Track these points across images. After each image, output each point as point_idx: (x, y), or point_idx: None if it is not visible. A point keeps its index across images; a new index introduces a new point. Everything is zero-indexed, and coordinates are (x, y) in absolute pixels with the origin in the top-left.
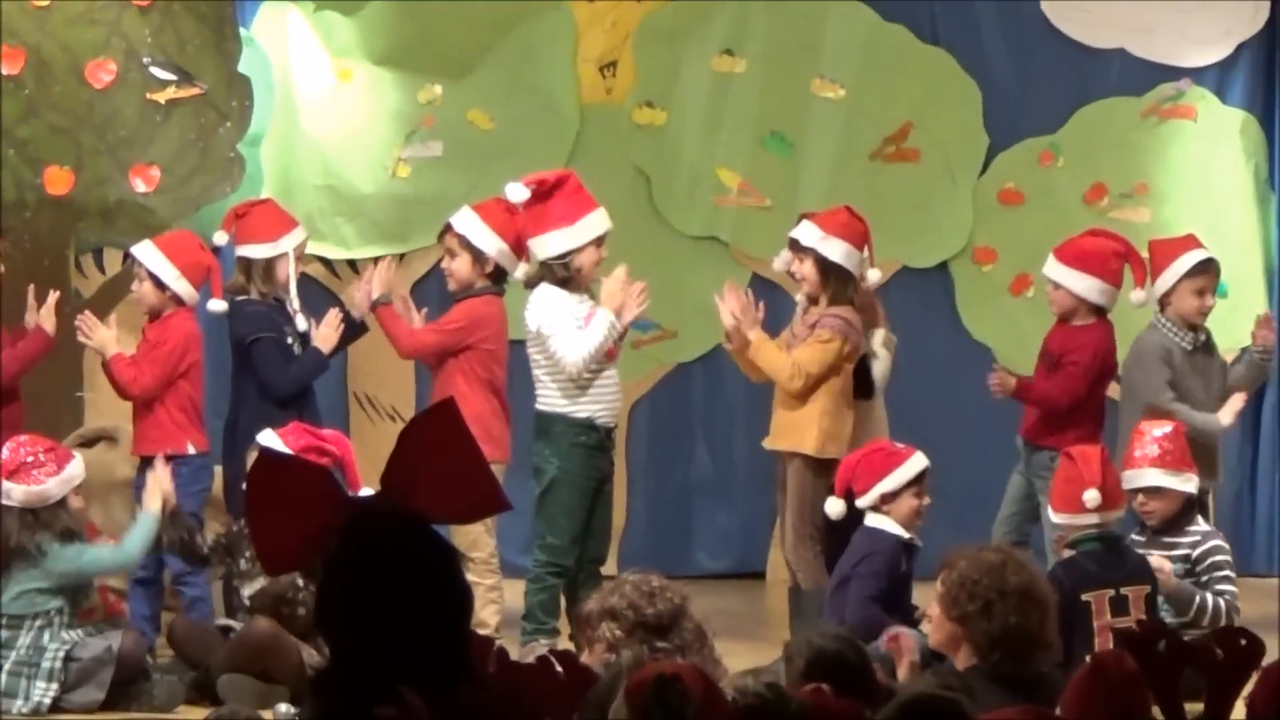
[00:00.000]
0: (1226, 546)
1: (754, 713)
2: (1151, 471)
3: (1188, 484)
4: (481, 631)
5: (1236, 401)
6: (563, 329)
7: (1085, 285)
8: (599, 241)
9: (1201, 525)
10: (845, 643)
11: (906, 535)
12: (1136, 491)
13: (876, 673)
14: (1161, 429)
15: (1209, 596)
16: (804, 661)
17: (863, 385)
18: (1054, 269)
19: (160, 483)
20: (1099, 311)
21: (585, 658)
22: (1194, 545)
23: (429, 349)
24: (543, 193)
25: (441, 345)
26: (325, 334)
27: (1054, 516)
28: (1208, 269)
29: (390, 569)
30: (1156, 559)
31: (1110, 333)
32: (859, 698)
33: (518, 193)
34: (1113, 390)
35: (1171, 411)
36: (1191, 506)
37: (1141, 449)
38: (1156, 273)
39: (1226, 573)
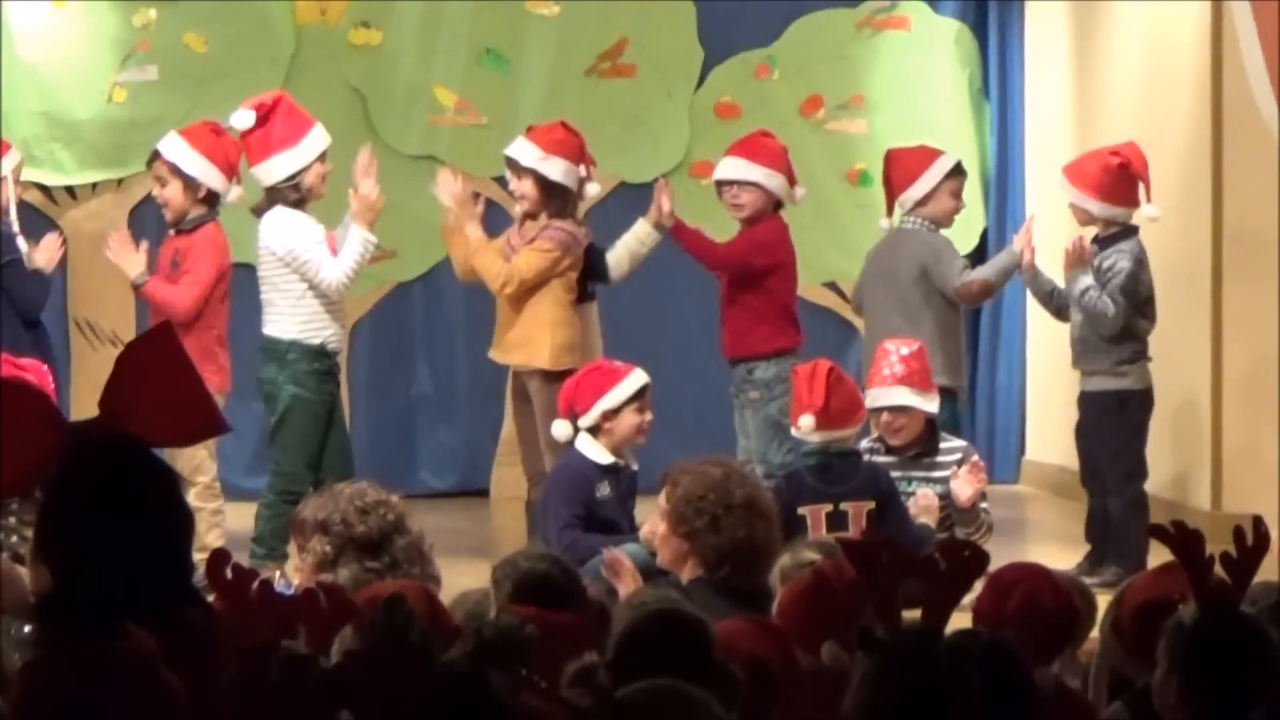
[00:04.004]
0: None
1: (482, 637)
2: (899, 390)
3: (932, 404)
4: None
5: (1028, 227)
6: (315, 251)
7: (777, 182)
8: (322, 157)
9: (955, 441)
10: (551, 562)
11: (607, 460)
12: (881, 410)
13: (588, 589)
14: (908, 348)
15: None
16: (511, 584)
17: (593, 276)
18: (742, 169)
19: None
20: (777, 208)
21: (293, 566)
22: (959, 462)
23: (203, 299)
24: (261, 117)
25: (210, 290)
26: (49, 255)
27: (793, 431)
28: (961, 171)
29: (110, 492)
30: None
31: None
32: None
33: (244, 119)
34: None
35: (973, 280)
36: (934, 427)
37: (889, 368)
38: (908, 178)
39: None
